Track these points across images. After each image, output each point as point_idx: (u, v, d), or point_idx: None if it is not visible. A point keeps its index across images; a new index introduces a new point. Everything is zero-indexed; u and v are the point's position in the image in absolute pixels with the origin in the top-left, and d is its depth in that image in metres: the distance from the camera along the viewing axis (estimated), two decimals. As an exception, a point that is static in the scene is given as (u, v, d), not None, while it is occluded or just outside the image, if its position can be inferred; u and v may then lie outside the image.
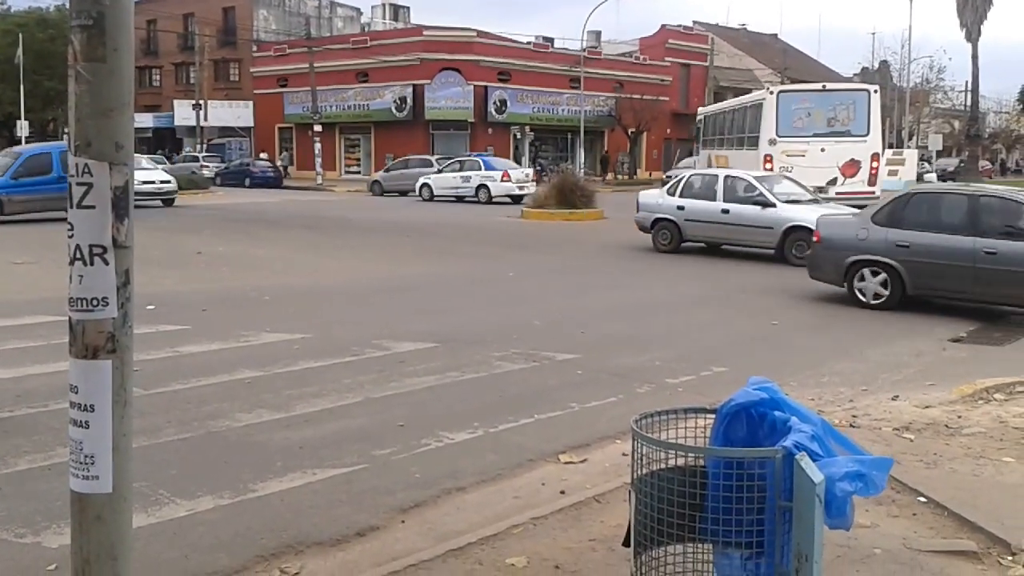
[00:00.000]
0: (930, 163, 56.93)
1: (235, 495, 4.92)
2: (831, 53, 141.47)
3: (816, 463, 2.80)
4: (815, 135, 21.16)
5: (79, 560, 2.51)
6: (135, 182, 2.60)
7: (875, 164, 20.88)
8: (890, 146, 56.86)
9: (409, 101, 49.03)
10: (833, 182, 20.48)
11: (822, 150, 20.77)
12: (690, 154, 52.09)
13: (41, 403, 6.47)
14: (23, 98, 44.78)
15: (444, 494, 5.02)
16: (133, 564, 2.59)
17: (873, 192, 20.08)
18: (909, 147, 56.12)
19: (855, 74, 78.70)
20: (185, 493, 4.90)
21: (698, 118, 31.77)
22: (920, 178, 47.42)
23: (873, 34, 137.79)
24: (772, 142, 21.26)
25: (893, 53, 79.07)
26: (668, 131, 58.82)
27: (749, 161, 21.46)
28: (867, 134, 21.20)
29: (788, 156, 20.76)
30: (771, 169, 20.01)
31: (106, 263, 2.40)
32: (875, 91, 21.76)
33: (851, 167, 20.81)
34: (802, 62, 71.90)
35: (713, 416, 3.22)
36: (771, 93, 22.18)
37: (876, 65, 76.53)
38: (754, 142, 22.13)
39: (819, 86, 24.21)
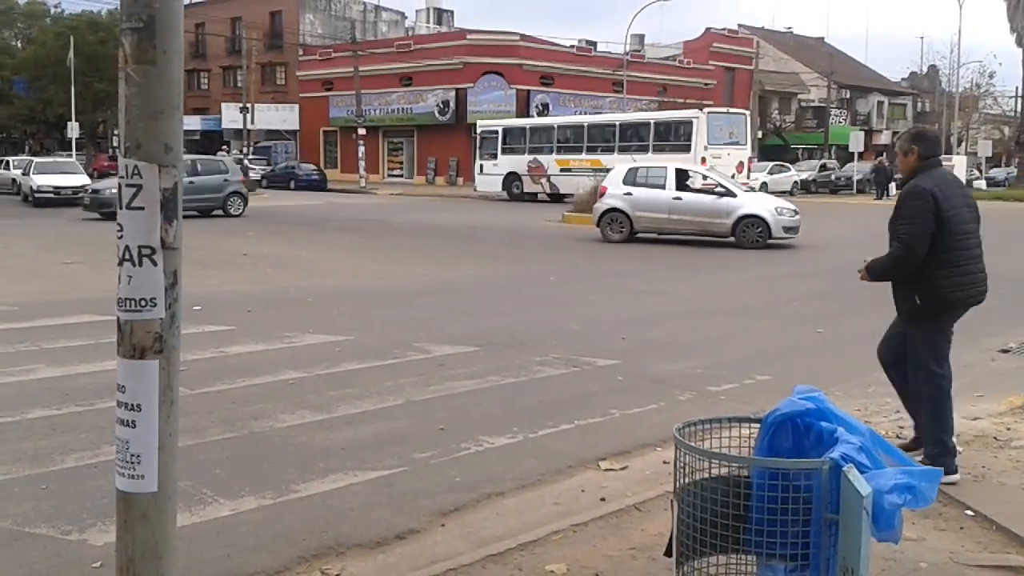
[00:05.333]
0: (980, 170, 55.95)
1: (277, 495, 4.95)
2: (879, 57, 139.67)
3: (864, 475, 2.75)
4: (724, 144, 30.50)
5: (124, 558, 2.54)
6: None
7: (748, 165, 31.46)
8: (938, 152, 55.98)
9: (452, 105, 49.24)
10: (732, 177, 27.22)
11: (728, 155, 29.94)
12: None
13: (88, 401, 6.57)
14: (74, 100, 45.55)
15: (484, 499, 5.01)
16: (177, 563, 2.61)
17: (748, 184, 26.68)
18: (958, 153, 55.14)
19: (903, 79, 77.74)
20: (228, 493, 4.94)
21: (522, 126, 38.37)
22: (969, 185, 46.66)
23: (922, 38, 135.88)
24: (705, 148, 29.89)
25: (942, 57, 77.98)
26: (712, 136, 58.44)
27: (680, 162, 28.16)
28: (746, 145, 31.68)
29: (712, 158, 28.90)
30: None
31: (155, 264, 2.43)
32: (747, 114, 33.91)
33: (739, 167, 29.82)
34: (849, 66, 71.02)
35: (757, 425, 3.18)
36: (703, 113, 31.53)
37: (925, 69, 75.46)
38: (686, 148, 30.19)
39: (724, 109, 34.81)
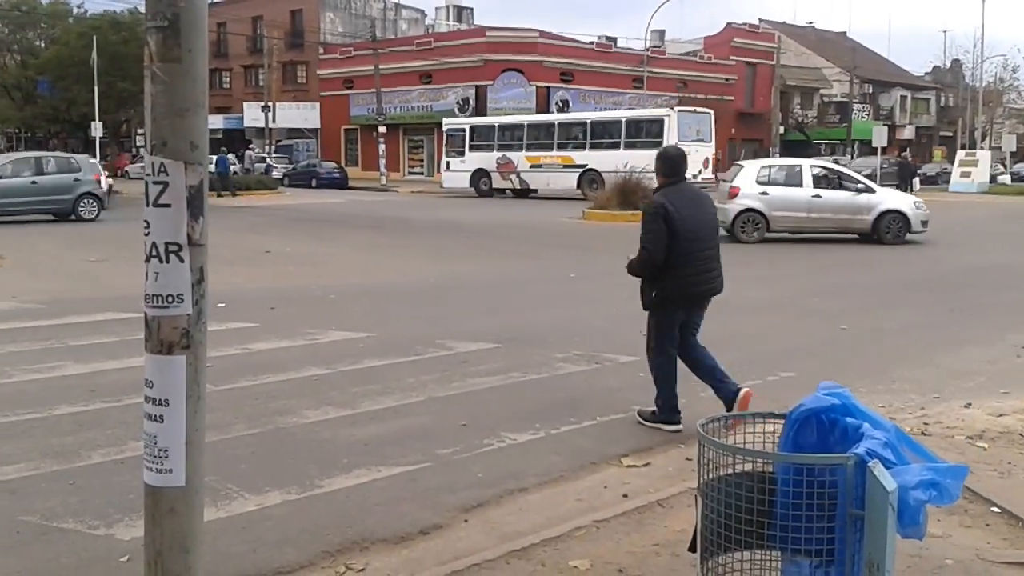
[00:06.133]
0: (1005, 165, 55.32)
1: (302, 491, 4.99)
2: (901, 52, 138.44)
3: (889, 471, 2.74)
4: (692, 141, 31.09)
5: (152, 552, 2.56)
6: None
7: (712, 162, 33.36)
8: (962, 147, 55.49)
9: (472, 102, 49.28)
10: (699, 172, 30.57)
11: (696, 151, 30.03)
12: (755, 155, 51.54)
13: (114, 398, 6.63)
14: (97, 99, 45.91)
15: (507, 494, 5.02)
16: (203, 557, 2.63)
17: (712, 179, 29.91)
18: (982, 148, 54.60)
19: (926, 73, 77.03)
20: (254, 488, 4.98)
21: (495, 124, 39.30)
22: (993, 180, 46.17)
23: (945, 32, 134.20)
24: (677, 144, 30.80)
25: (965, 52, 77.19)
26: (733, 131, 58.11)
27: (653, 160, 30.17)
28: (711, 142, 33.75)
29: None
30: None
31: (181, 260, 2.45)
32: (712, 113, 35.18)
33: (705, 163, 31.99)
34: (872, 60, 70.48)
35: (781, 421, 3.17)
36: (674, 111, 33.84)
37: (948, 64, 74.75)
38: (657, 145, 30.11)
39: (692, 109, 36.11)
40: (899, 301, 11.98)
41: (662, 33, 63.16)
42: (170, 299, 2.46)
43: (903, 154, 50.58)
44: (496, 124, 38.78)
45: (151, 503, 2.55)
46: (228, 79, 64.30)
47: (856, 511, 2.75)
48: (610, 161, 31.99)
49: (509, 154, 36.81)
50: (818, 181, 19.20)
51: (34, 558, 4.15)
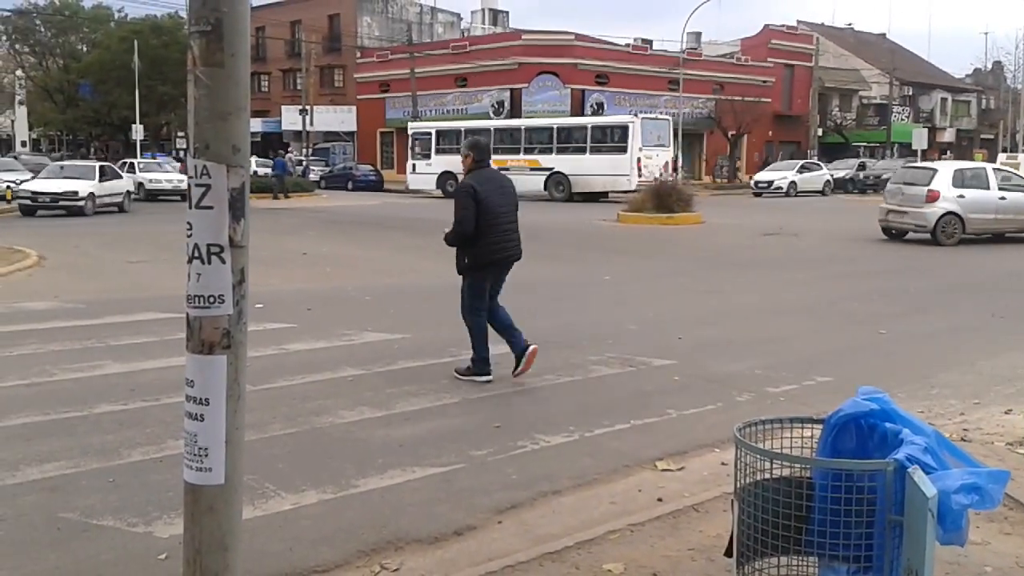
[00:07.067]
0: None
1: (338, 490, 5.02)
2: (942, 53, 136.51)
3: (929, 476, 2.71)
4: (653, 145, 35.02)
5: (191, 550, 2.59)
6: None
7: (672, 164, 35.97)
8: (1003, 150, 54.58)
9: (506, 105, 49.32)
10: (660, 174, 31.82)
11: (658, 154, 34.82)
12: (791, 156, 51.10)
13: (153, 397, 6.72)
14: (138, 103, 46.53)
15: (540, 496, 5.03)
16: (242, 555, 2.66)
17: (672, 181, 31.39)
18: (1023, 152, 53.67)
19: (967, 75, 75.97)
20: (290, 487, 5.02)
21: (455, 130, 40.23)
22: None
23: (986, 34, 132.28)
24: (640, 149, 34.46)
25: (1007, 54, 75.93)
26: (770, 133, 57.73)
27: (618, 163, 34.64)
28: (670, 147, 37.02)
29: (645, 159, 34.13)
30: (640, 167, 33.65)
31: (223, 262, 2.48)
32: (670, 120, 38.79)
33: (665, 166, 34.07)
34: (911, 62, 69.61)
35: (818, 426, 3.15)
36: (638, 118, 36.19)
37: (989, 65, 73.67)
38: (623, 150, 34.78)
39: (653, 116, 38.63)
40: (939, 304, 11.82)
41: (698, 35, 62.83)
42: (212, 300, 2.49)
43: (943, 157, 49.87)
44: (463, 128, 39.98)
45: (191, 501, 2.58)
46: (266, 83, 64.92)
47: (895, 517, 2.72)
48: (577, 165, 35.59)
49: None
50: (1001, 183, 19.92)
51: (74, 555, 4.21)
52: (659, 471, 5.47)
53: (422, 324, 10.00)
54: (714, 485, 5.05)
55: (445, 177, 38.59)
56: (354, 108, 58.05)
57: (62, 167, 29.91)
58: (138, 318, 10.04)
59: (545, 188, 35.97)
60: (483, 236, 7.19)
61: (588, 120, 39.75)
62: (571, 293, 12.87)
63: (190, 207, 2.49)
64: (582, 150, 36.18)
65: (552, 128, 38.12)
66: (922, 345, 9.41)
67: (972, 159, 62.28)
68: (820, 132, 57.90)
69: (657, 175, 32.10)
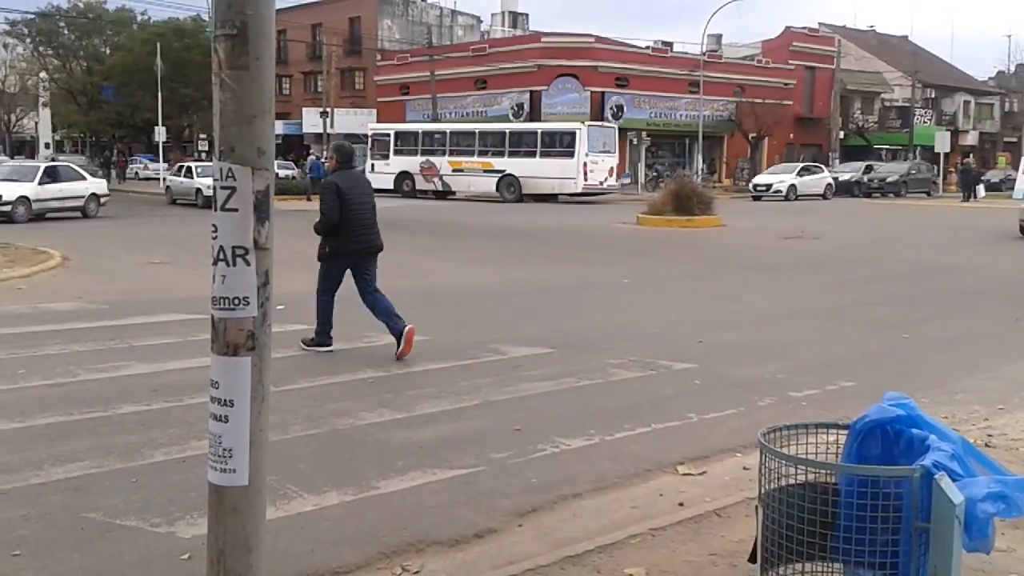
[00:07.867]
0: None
1: (359, 492, 5.03)
2: (965, 56, 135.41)
3: (956, 483, 2.68)
4: (599, 152, 36.74)
5: (215, 551, 2.60)
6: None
7: (617, 170, 38.69)
8: (1027, 154, 54.09)
9: (526, 107, 49.33)
10: (604, 179, 36.72)
11: (604, 160, 36.86)
12: (813, 159, 50.79)
13: (176, 398, 6.75)
14: (160, 105, 46.85)
15: (560, 500, 5.01)
16: (265, 555, 2.67)
17: (615, 185, 38.34)
18: (1048, 155, 53.15)
19: (990, 78, 75.39)
20: (312, 488, 5.03)
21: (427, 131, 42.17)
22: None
23: (1009, 36, 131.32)
24: (587, 154, 36.10)
25: (1030, 56, 75.15)
26: (791, 136, 57.38)
27: (566, 167, 36.29)
28: (615, 153, 38.38)
29: (591, 163, 36.07)
30: (586, 172, 35.92)
31: (248, 264, 2.49)
32: (616, 127, 40.87)
33: (610, 172, 37.32)
34: (934, 65, 69.09)
35: (843, 431, 3.12)
36: (584, 125, 37.68)
37: (1012, 68, 73.06)
38: (570, 154, 36.35)
39: (600, 123, 41.09)
40: (961, 309, 11.72)
41: (719, 37, 62.54)
42: (236, 302, 2.50)
43: (965, 160, 49.47)
44: (420, 131, 41.42)
45: (215, 502, 2.59)
46: (288, 85, 65.18)
47: (921, 524, 2.70)
48: (527, 168, 37.17)
49: (432, 159, 39.68)
50: None
51: (98, 555, 4.24)
52: (680, 475, 5.44)
53: (443, 326, 10.01)
54: (736, 490, 5.02)
55: (402, 177, 40.14)
56: (374, 110, 58.18)
57: (9, 168, 28.31)
58: (161, 319, 10.11)
59: (497, 189, 37.55)
60: (344, 227, 8.22)
61: (538, 125, 41.43)
62: (590, 296, 12.84)
63: (215, 209, 2.50)
64: (532, 154, 37.59)
65: (505, 132, 39.69)
66: (945, 349, 9.33)
67: (995, 162, 61.92)
68: (842, 135, 57.55)
69: (601, 180, 36.55)
